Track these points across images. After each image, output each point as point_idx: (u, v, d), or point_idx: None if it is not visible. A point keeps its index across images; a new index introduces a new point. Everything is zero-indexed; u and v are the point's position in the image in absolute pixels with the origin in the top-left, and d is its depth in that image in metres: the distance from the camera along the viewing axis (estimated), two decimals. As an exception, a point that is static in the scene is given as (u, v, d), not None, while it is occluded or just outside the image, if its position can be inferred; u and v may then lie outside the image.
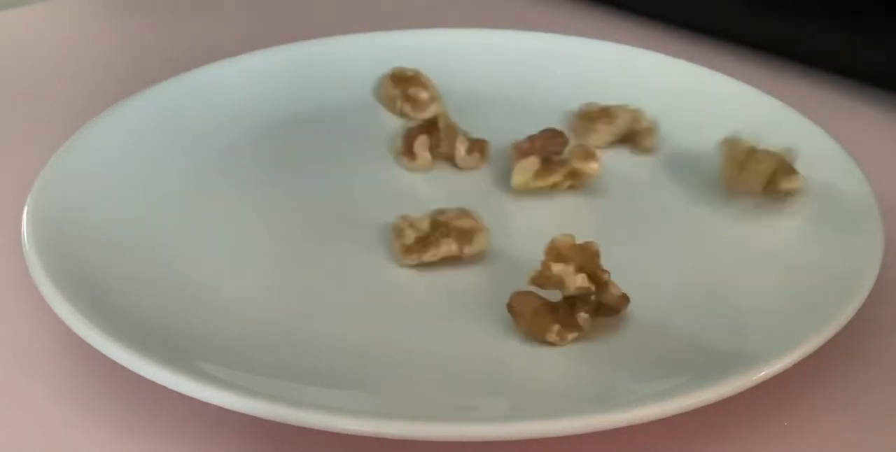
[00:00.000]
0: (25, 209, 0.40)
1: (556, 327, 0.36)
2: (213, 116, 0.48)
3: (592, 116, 0.49)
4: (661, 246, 0.42)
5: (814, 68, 0.57)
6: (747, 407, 0.35)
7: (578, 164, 0.45)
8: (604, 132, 0.48)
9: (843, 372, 0.37)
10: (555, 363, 0.36)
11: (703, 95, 0.50)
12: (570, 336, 0.36)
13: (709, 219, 0.43)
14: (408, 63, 0.52)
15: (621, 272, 0.38)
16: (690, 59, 0.53)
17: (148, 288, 0.38)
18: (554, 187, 0.45)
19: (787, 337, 0.34)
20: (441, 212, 0.42)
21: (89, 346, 0.34)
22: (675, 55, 0.53)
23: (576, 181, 0.45)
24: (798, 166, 0.44)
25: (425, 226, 0.41)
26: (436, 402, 0.34)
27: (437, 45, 0.54)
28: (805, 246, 0.40)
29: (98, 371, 0.36)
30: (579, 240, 0.38)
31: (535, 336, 0.36)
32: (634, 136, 0.48)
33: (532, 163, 0.45)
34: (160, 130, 0.47)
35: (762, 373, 0.33)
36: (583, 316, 0.36)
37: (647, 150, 0.48)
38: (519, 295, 0.37)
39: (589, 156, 0.45)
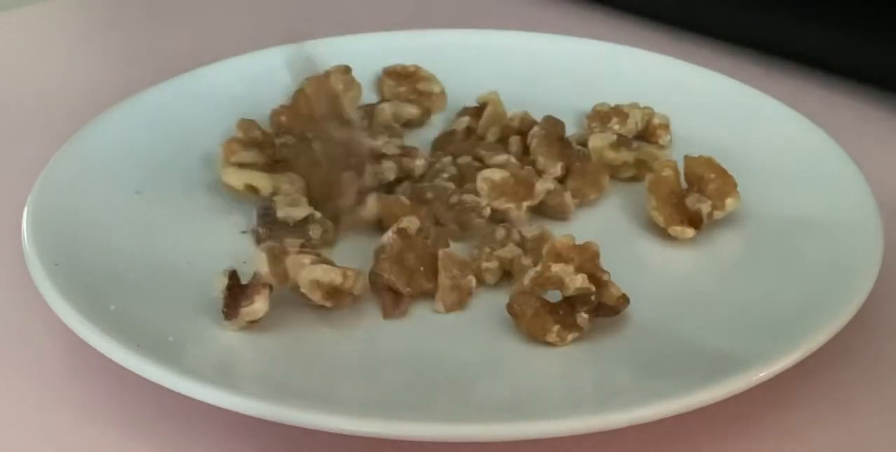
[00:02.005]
0: (25, 209, 0.40)
1: (556, 328, 0.36)
2: (213, 117, 0.48)
3: (605, 116, 0.49)
4: (662, 246, 0.42)
5: (814, 68, 0.57)
6: (747, 408, 0.35)
7: (652, 149, 0.46)
8: (618, 131, 0.48)
9: (843, 372, 0.37)
10: (555, 363, 0.36)
11: (703, 96, 0.50)
12: (570, 336, 0.36)
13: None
14: (408, 63, 0.52)
15: (622, 272, 0.38)
16: (690, 60, 0.53)
17: (148, 289, 0.38)
18: (618, 170, 0.45)
19: (788, 337, 0.34)
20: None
21: (89, 346, 0.34)
22: (675, 56, 0.53)
23: (640, 171, 0.45)
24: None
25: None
26: (436, 402, 0.34)
27: (439, 46, 0.54)
28: (805, 246, 0.40)
29: (98, 371, 0.36)
30: (579, 241, 0.38)
31: (536, 336, 0.36)
32: (648, 134, 0.48)
33: (608, 135, 0.46)
34: (160, 130, 0.47)
35: (762, 374, 0.33)
36: (583, 317, 0.36)
37: (662, 147, 0.48)
38: (519, 296, 0.37)
39: (660, 146, 0.46)
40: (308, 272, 0.36)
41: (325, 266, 0.37)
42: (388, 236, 0.39)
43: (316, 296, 0.37)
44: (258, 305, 0.36)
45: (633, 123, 0.48)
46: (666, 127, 0.48)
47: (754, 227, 0.42)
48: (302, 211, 0.41)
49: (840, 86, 0.55)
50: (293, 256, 0.37)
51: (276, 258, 0.37)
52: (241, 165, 0.44)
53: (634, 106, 0.49)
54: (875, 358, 0.38)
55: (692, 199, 0.42)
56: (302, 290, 0.37)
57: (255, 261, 0.37)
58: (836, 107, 0.54)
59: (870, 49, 0.53)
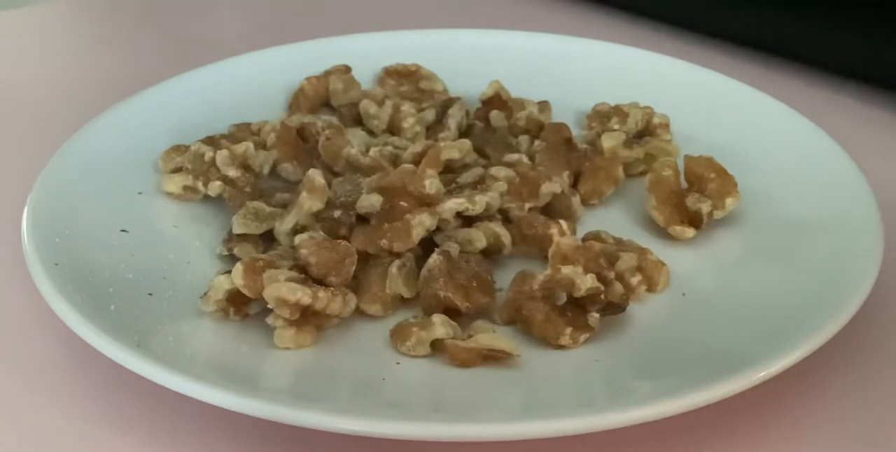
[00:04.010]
0: (25, 209, 0.40)
1: (569, 330, 0.36)
2: (213, 116, 0.48)
3: (605, 116, 0.49)
4: (662, 246, 0.42)
5: (814, 68, 0.57)
6: (748, 407, 0.35)
7: (659, 143, 0.46)
8: (618, 131, 0.48)
9: (843, 372, 0.37)
10: (555, 364, 0.36)
11: (703, 96, 0.50)
12: (582, 337, 0.36)
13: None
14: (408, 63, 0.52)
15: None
16: (690, 60, 0.53)
17: (148, 289, 0.38)
18: (630, 166, 0.46)
19: (788, 336, 0.34)
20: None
21: (89, 346, 0.34)
22: (676, 55, 0.53)
23: (649, 165, 0.45)
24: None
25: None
26: (438, 402, 0.34)
27: (439, 46, 0.54)
28: (805, 246, 0.40)
29: (98, 371, 0.36)
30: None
31: (548, 340, 0.36)
32: (649, 134, 0.48)
33: (619, 134, 0.46)
34: (160, 130, 0.47)
35: (762, 373, 0.33)
36: (594, 317, 0.36)
37: (668, 141, 0.48)
38: (527, 302, 0.37)
39: (665, 140, 0.47)
40: (273, 288, 0.35)
41: (292, 284, 0.35)
42: (434, 258, 0.38)
43: (285, 313, 0.35)
44: (220, 278, 0.36)
45: (633, 123, 0.48)
46: (666, 126, 0.48)
47: (754, 227, 0.42)
48: (257, 227, 0.40)
49: (840, 87, 0.55)
50: (271, 271, 0.36)
51: (254, 270, 0.36)
52: (175, 171, 0.44)
53: (634, 106, 0.49)
54: (875, 358, 0.38)
55: (692, 199, 0.42)
56: (269, 306, 0.36)
57: (233, 272, 0.36)
58: (836, 107, 0.54)
59: (870, 49, 0.53)
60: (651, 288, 0.39)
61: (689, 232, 0.41)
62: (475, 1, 0.67)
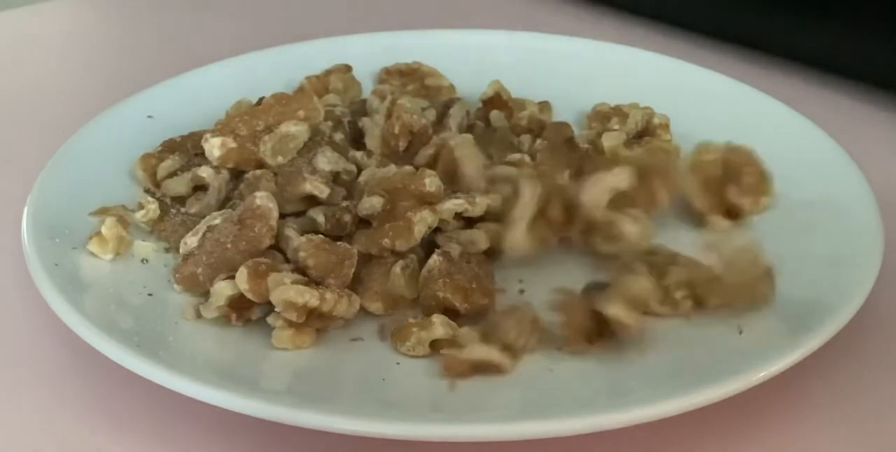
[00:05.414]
0: (25, 209, 0.40)
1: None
2: (213, 117, 0.48)
3: (605, 116, 0.49)
4: (663, 246, 0.42)
5: (814, 68, 0.57)
6: (748, 407, 0.35)
7: (660, 143, 0.46)
8: (619, 131, 0.48)
9: (843, 372, 0.37)
10: (556, 364, 0.36)
11: (703, 96, 0.50)
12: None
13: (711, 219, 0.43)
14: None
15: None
16: (691, 60, 0.53)
17: (148, 289, 0.38)
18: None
19: (788, 336, 0.34)
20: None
21: (89, 346, 0.34)
22: (676, 55, 0.53)
23: None
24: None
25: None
26: (438, 402, 0.34)
27: (440, 46, 0.54)
28: (805, 246, 0.40)
29: (98, 370, 0.36)
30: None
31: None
32: (649, 134, 0.48)
33: (619, 134, 0.46)
34: (160, 130, 0.47)
35: (762, 373, 0.33)
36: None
37: (668, 141, 0.48)
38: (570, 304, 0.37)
39: (665, 140, 0.47)
40: (281, 291, 0.35)
41: (300, 286, 0.35)
42: (434, 259, 0.38)
43: (292, 316, 0.35)
44: (221, 284, 0.36)
45: (633, 123, 0.48)
46: (666, 126, 0.48)
47: (755, 227, 0.42)
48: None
49: (840, 87, 0.55)
50: (275, 274, 0.36)
51: (258, 274, 0.36)
52: (172, 174, 0.43)
53: (634, 106, 0.49)
54: (875, 358, 0.38)
55: (733, 192, 0.42)
56: (277, 310, 0.36)
57: (237, 277, 0.36)
58: (836, 107, 0.54)
59: (870, 49, 0.53)
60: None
61: (724, 223, 0.41)
62: (475, 1, 0.67)
